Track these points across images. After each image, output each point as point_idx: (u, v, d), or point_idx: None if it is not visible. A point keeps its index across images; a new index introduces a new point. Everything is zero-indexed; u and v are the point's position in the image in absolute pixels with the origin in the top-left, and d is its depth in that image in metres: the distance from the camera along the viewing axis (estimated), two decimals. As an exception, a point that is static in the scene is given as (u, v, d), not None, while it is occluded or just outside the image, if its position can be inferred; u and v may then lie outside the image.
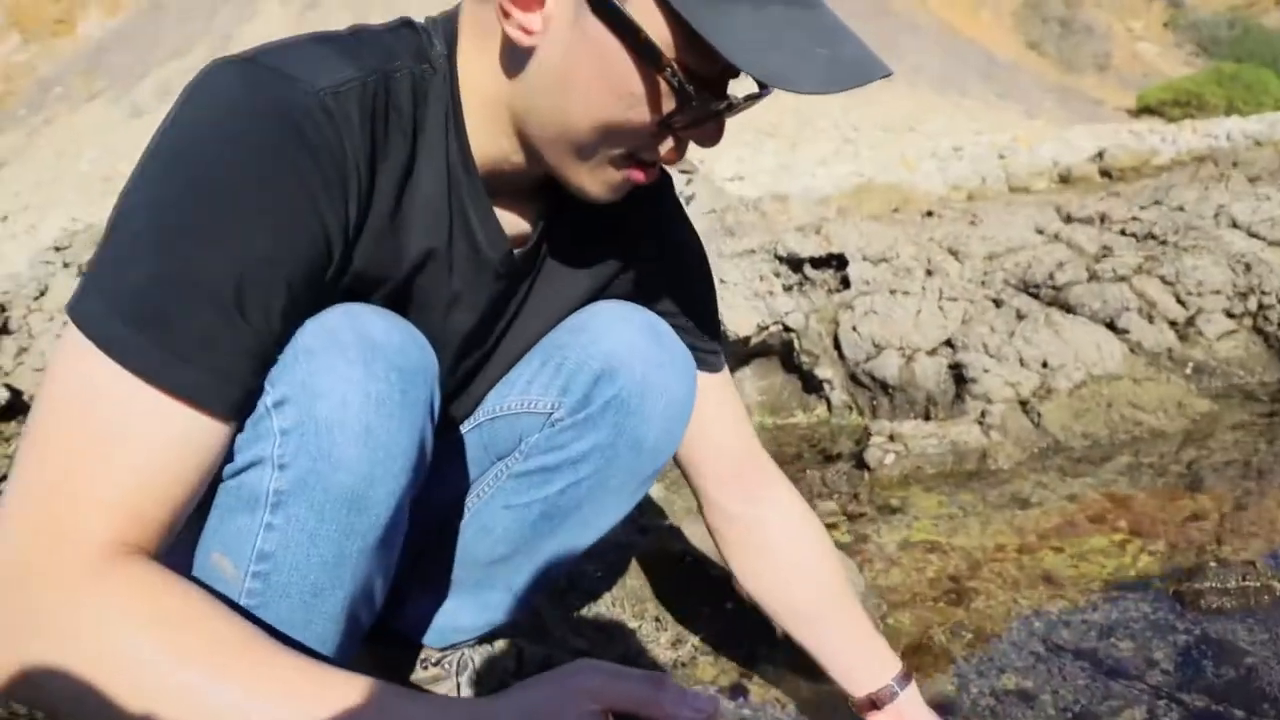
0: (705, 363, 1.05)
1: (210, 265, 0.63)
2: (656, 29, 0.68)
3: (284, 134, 0.66)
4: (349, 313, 0.74)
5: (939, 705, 1.25)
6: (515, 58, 0.75)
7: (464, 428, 1.05)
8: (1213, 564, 1.46)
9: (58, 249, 3.69)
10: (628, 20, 0.68)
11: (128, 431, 0.62)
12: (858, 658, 1.05)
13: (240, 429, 0.70)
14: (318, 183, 0.68)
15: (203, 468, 0.66)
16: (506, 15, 0.72)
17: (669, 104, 0.72)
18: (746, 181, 13.44)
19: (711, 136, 0.77)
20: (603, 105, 0.72)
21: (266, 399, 0.69)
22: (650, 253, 1.02)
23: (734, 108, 0.75)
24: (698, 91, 0.71)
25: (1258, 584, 1.38)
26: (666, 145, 0.77)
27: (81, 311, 0.63)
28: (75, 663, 0.58)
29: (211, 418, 0.65)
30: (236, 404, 0.67)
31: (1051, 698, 1.23)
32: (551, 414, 0.97)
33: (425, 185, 0.79)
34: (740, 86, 0.74)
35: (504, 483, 1.02)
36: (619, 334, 0.96)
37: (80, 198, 20.46)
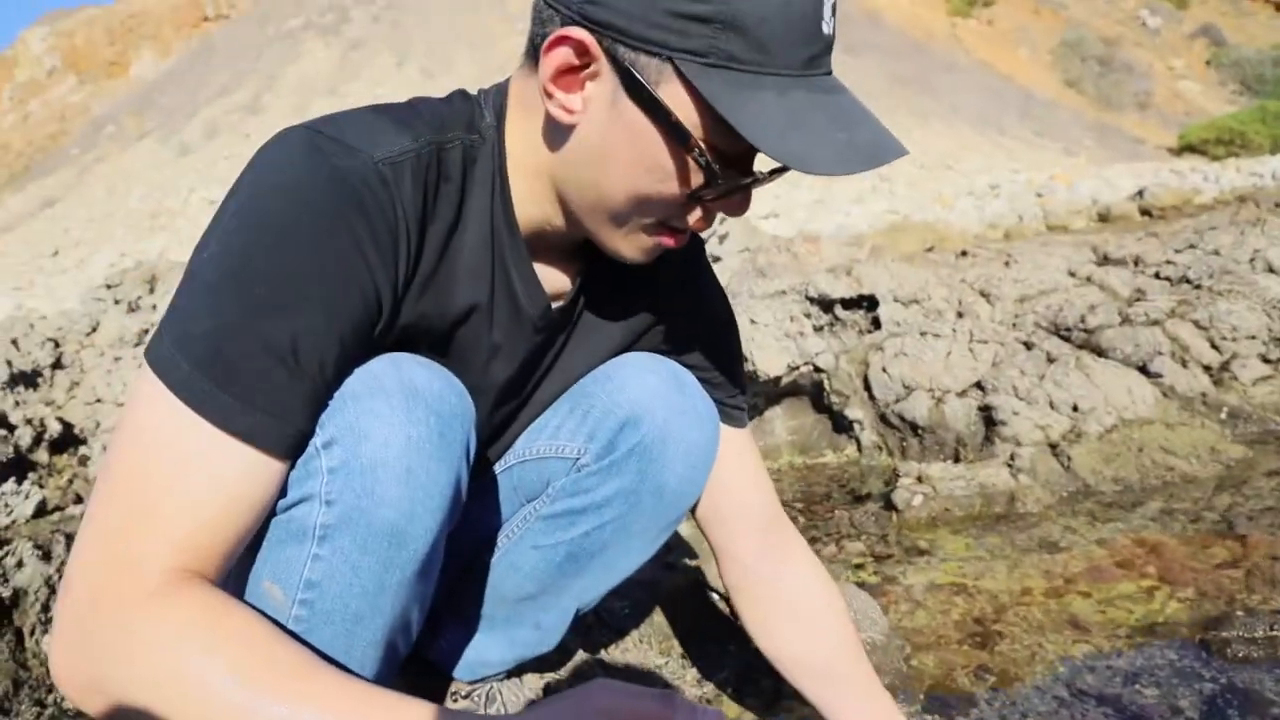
0: (730, 416, 1.09)
1: (272, 319, 0.70)
2: (686, 113, 0.75)
3: (343, 200, 0.73)
4: (393, 361, 0.80)
5: (961, 748, 1.26)
6: (557, 133, 0.82)
7: (496, 469, 1.10)
8: (1240, 613, 1.45)
9: (109, 286, 3.83)
10: (660, 105, 0.75)
11: (192, 468, 0.68)
12: (865, 718, 1.07)
13: (293, 467, 0.75)
14: (371, 246, 0.75)
15: (259, 503, 0.72)
16: (550, 96, 0.79)
17: (697, 179, 0.78)
18: (781, 219, 13.50)
19: (738, 207, 0.84)
20: (636, 179, 0.79)
21: (316, 440, 0.75)
22: (680, 310, 1.08)
23: (758, 182, 0.81)
24: (724, 169, 0.77)
25: (1285, 633, 1.37)
26: (695, 215, 0.84)
27: (155, 354, 0.70)
28: (141, 682, 0.63)
29: (268, 457, 0.71)
30: (291, 446, 0.73)
31: (1074, 743, 1.24)
32: (578, 459, 1.03)
33: (470, 244, 0.86)
34: (765, 162, 0.80)
35: (532, 524, 1.07)
36: (643, 383, 1.01)
37: (129, 234, 21.08)
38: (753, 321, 2.79)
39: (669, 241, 0.86)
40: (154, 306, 3.85)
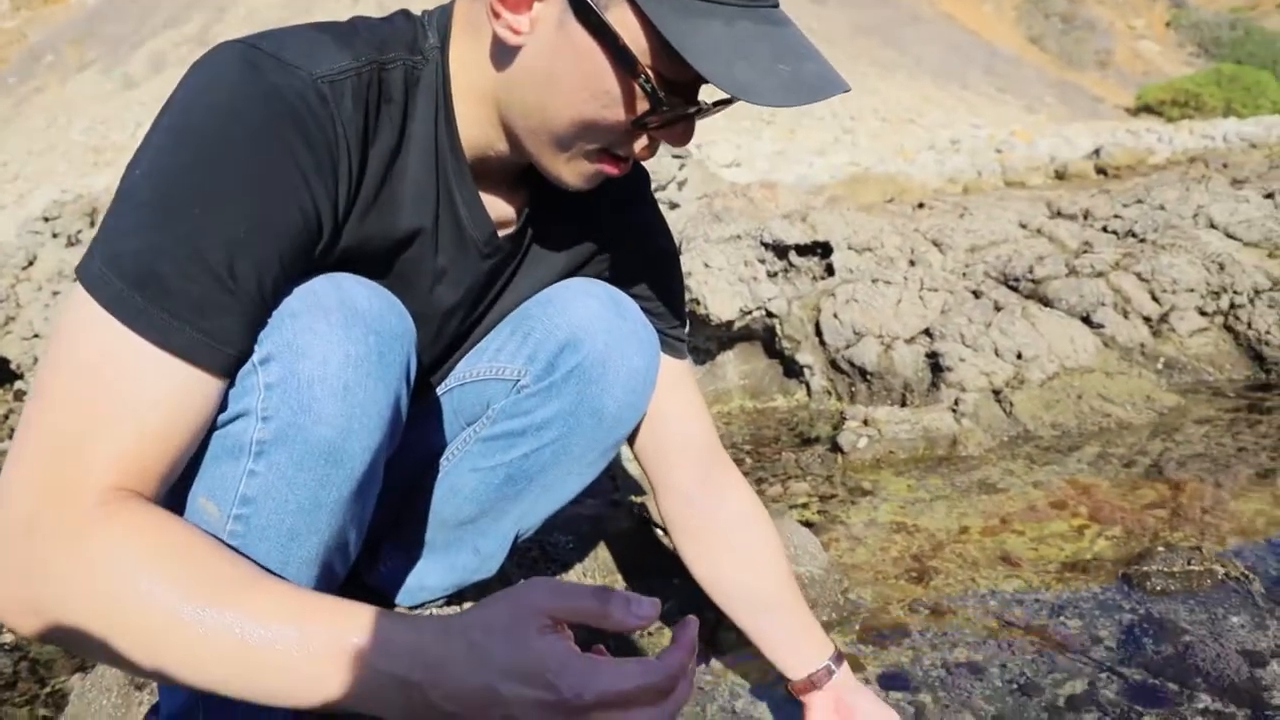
0: (670, 347, 1.10)
1: (207, 235, 0.68)
2: (633, 37, 0.74)
3: (280, 117, 0.72)
4: (333, 280, 0.80)
5: (892, 676, 1.30)
6: (503, 54, 0.81)
7: (438, 391, 1.10)
8: (1161, 549, 1.51)
9: (46, 219, 3.71)
10: (608, 28, 0.74)
11: (127, 386, 0.67)
12: (797, 643, 1.09)
13: (231, 385, 0.75)
14: (310, 163, 0.74)
15: (196, 421, 0.71)
16: (496, 15, 0.78)
17: (642, 106, 0.78)
18: (743, 168, 13.46)
19: (681, 137, 0.84)
20: (581, 104, 0.78)
21: (254, 356, 0.75)
22: (623, 240, 1.09)
23: (702, 113, 0.81)
24: (669, 96, 0.77)
25: (1201, 568, 1.44)
26: (639, 143, 0.83)
27: (87, 273, 0.68)
28: (80, 601, 0.63)
29: (205, 374, 0.70)
30: (229, 364, 0.72)
31: (999, 670, 1.29)
32: (518, 381, 1.03)
33: (413, 167, 0.85)
34: (710, 92, 0.80)
35: (471, 446, 1.07)
36: (584, 306, 1.02)
37: (71, 168, 20.34)
38: (707, 266, 2.79)
39: (611, 169, 0.86)
40: (95, 240, 3.74)
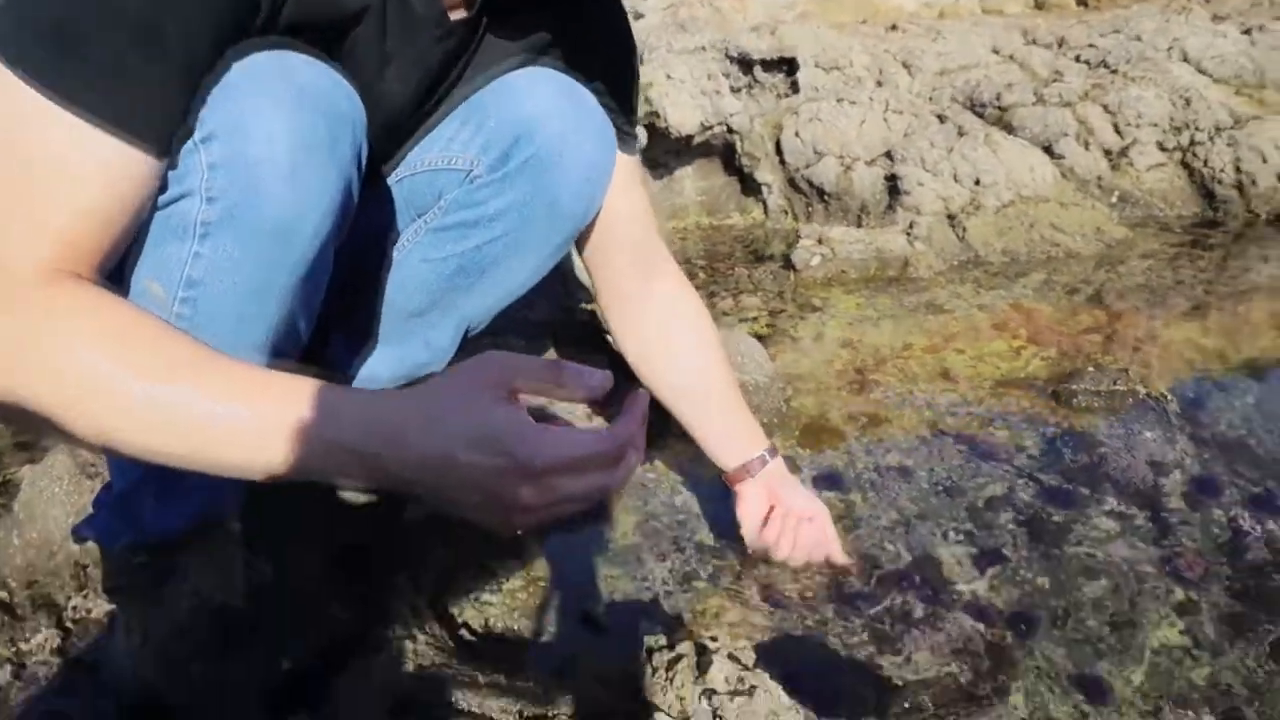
0: (622, 141, 1.06)
1: None
2: None
3: None
4: (278, 57, 0.74)
5: (826, 476, 1.37)
6: None
7: (389, 181, 1.06)
8: (1091, 369, 1.58)
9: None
10: None
11: (55, 159, 0.63)
12: (732, 433, 1.14)
13: (171, 165, 0.70)
14: None
15: (134, 199, 0.67)
16: None
17: None
18: (713, -19, 12.74)
19: None
20: None
21: (195, 135, 0.70)
22: (582, 30, 1.02)
23: None
24: None
25: (1125, 388, 1.51)
26: None
27: (0, 36, 0.62)
28: (22, 378, 0.60)
29: (138, 148, 0.65)
30: (163, 136, 0.68)
31: (927, 474, 1.36)
32: (471, 171, 1.00)
33: None
34: None
35: (423, 237, 1.05)
36: (540, 95, 0.98)
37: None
38: (669, 77, 2.68)
39: None
40: None
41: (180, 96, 0.68)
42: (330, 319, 1.09)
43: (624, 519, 1.27)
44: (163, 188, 0.71)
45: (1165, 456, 1.37)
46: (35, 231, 0.62)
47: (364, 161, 0.84)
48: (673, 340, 1.14)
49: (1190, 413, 1.49)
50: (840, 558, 1.13)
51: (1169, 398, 1.52)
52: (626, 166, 1.07)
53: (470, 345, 1.17)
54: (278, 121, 0.72)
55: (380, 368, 1.17)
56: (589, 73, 1.04)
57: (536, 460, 0.59)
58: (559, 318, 1.72)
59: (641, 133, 1.17)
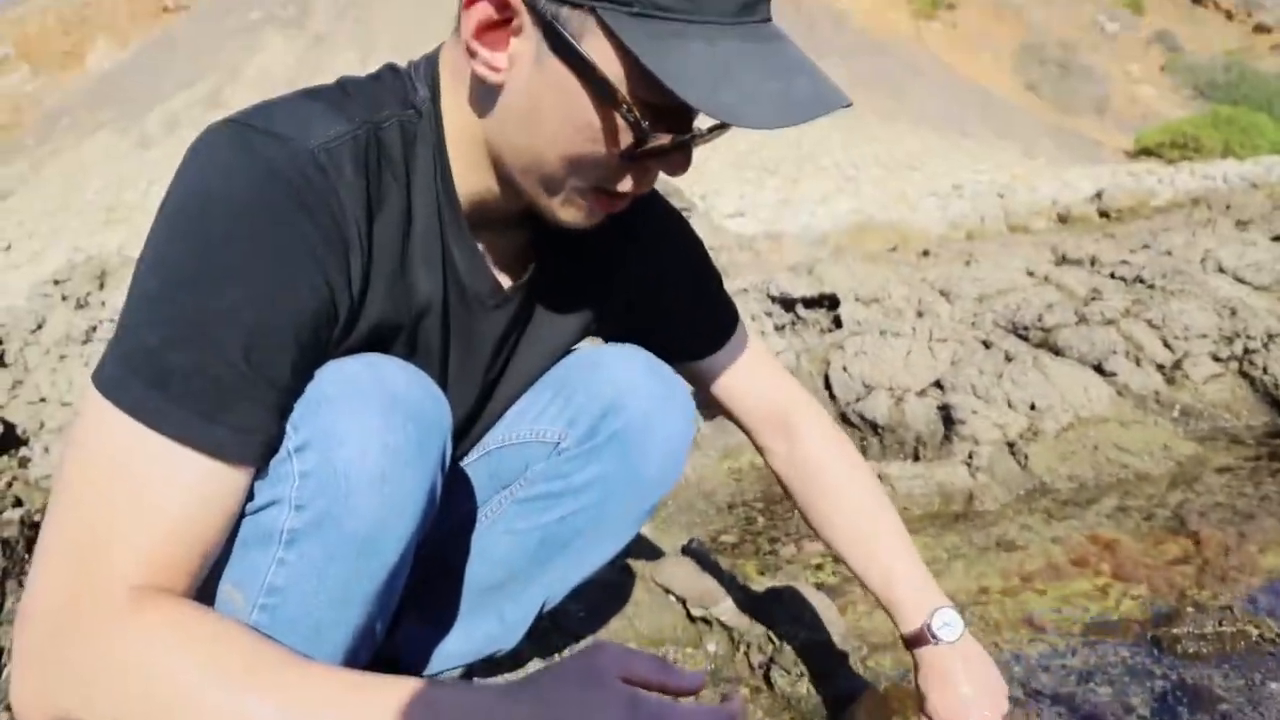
0: (732, 330, 1.12)
1: (217, 324, 0.67)
2: (611, 66, 0.70)
3: (280, 193, 0.70)
4: (370, 364, 0.78)
5: (917, 749, 1.25)
6: (487, 95, 0.78)
7: (471, 457, 1.09)
8: (1190, 609, 1.47)
9: (56, 282, 3.73)
10: (584, 59, 0.70)
11: (153, 485, 0.66)
12: (905, 585, 1.07)
13: (260, 474, 0.73)
14: (317, 238, 0.72)
15: (225, 514, 0.70)
16: (473, 55, 0.75)
17: (627, 138, 0.74)
18: (747, 217, 13.55)
19: (678, 166, 0.79)
20: (566, 139, 0.75)
21: (289, 443, 0.73)
22: (644, 264, 1.06)
23: (696, 139, 0.77)
24: (654, 124, 0.73)
25: (1233, 629, 1.39)
26: (633, 176, 0.79)
27: (104, 377, 0.67)
28: (115, 701, 0.61)
29: (230, 467, 0.68)
30: (254, 454, 0.71)
31: (1028, 743, 1.24)
32: (559, 444, 1.03)
33: (420, 230, 0.83)
34: (704, 119, 0.76)
35: (507, 508, 1.07)
36: (626, 371, 1.02)
37: (84, 227, 20.63)
38: (714, 320, 2.78)
39: (608, 206, 0.82)
40: (103, 303, 3.76)
41: (272, 416, 0.71)
42: (402, 603, 1.07)
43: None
44: (251, 495, 0.73)
45: (1294, 711, 1.23)
46: (131, 553, 0.64)
47: (448, 462, 0.85)
48: (825, 489, 1.13)
49: (1311, 655, 1.36)
50: None
51: (1283, 638, 1.40)
52: (742, 346, 1.12)
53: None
54: (369, 430, 0.74)
55: (450, 643, 1.14)
56: (667, 299, 1.08)
57: (662, 715, 0.62)
58: (618, 579, 1.68)
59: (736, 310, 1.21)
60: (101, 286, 4.00)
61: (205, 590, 0.77)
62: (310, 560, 0.75)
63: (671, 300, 1.08)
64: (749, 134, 22.19)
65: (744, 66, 0.70)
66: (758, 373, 1.14)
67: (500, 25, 0.73)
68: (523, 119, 0.77)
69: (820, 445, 1.13)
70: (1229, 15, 46.59)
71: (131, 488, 0.65)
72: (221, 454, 0.67)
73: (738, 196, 15.54)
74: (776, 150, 21.37)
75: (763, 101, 0.69)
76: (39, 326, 3.46)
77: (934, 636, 1.03)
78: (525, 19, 0.72)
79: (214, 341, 0.67)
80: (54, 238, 19.78)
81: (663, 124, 0.74)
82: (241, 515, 0.74)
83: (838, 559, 1.15)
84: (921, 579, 1.07)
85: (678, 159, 0.78)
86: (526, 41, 0.73)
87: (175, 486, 0.66)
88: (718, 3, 0.69)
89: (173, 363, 0.66)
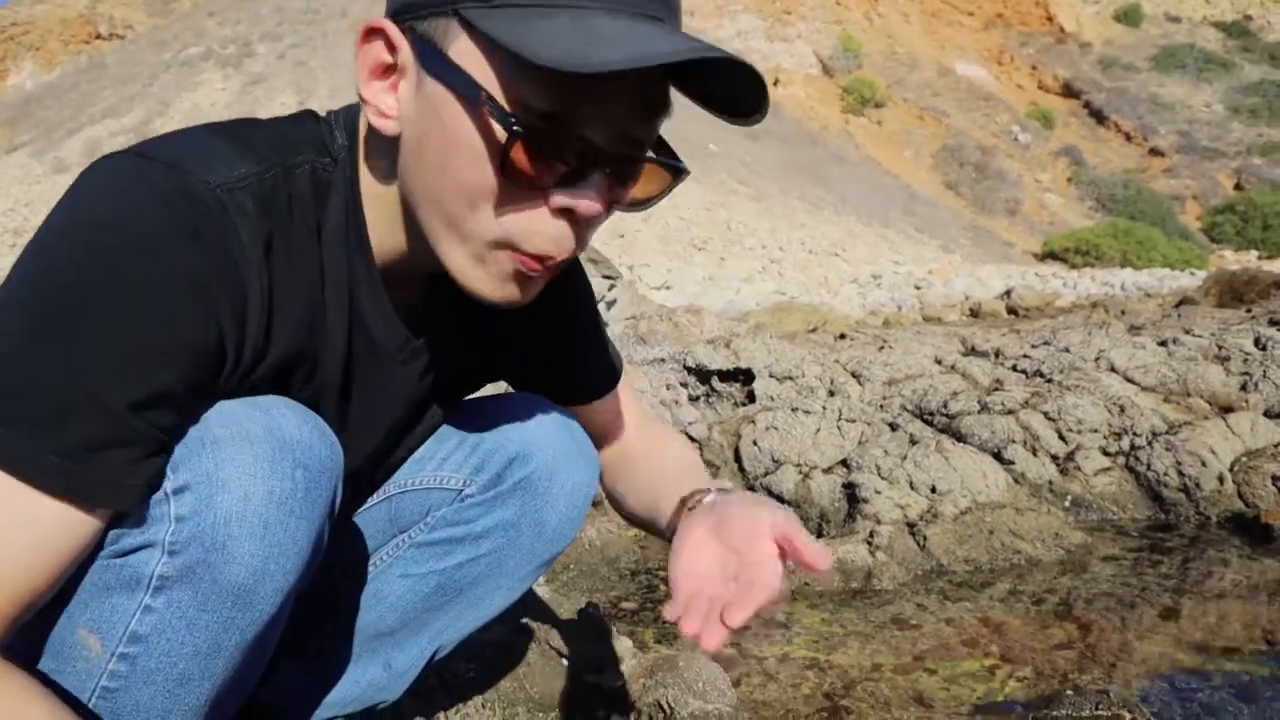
0: (616, 380, 1.13)
1: (96, 363, 0.62)
2: (478, 67, 0.67)
3: (172, 227, 0.66)
4: (261, 406, 0.74)
5: (801, 826, 1.24)
6: (389, 148, 0.75)
7: (371, 500, 1.07)
8: (1070, 692, 1.51)
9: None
10: (449, 63, 0.67)
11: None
12: (677, 488, 0.98)
13: (129, 517, 0.68)
14: (209, 275, 0.67)
15: (68, 562, 0.66)
16: (365, 102, 0.72)
17: (501, 141, 0.67)
18: (674, 291, 13.76)
19: (588, 199, 0.70)
20: (451, 164, 0.69)
21: (167, 484, 0.69)
22: (543, 314, 1.00)
23: (597, 159, 0.69)
24: (528, 121, 0.66)
25: (1109, 713, 1.43)
26: (544, 224, 0.71)
27: None
28: None
29: (86, 514, 0.65)
30: (119, 500, 0.66)
31: (910, 822, 1.24)
32: (462, 490, 1.02)
33: (329, 278, 0.80)
34: (615, 144, 0.69)
35: (404, 552, 1.04)
36: (534, 421, 1.02)
37: (-13, 249, 19.68)
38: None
39: (528, 263, 0.73)
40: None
41: (147, 466, 0.67)
42: (281, 648, 1.03)
43: None
44: (121, 534, 0.69)
45: (1162, 797, 1.27)
46: None
47: (337, 508, 0.82)
48: (637, 457, 1.13)
49: (1179, 742, 1.41)
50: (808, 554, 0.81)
51: (1154, 724, 1.44)
52: (620, 391, 1.14)
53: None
54: (255, 476, 0.70)
55: (332, 691, 1.09)
56: (561, 338, 1.07)
57: None
58: (512, 639, 1.64)
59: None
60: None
61: (54, 635, 0.72)
62: (179, 608, 0.70)
63: (565, 349, 1.08)
64: (679, 210, 22.68)
65: (608, 29, 0.64)
66: (631, 410, 1.18)
67: (390, 70, 0.71)
68: (414, 156, 0.72)
69: (632, 435, 1.16)
70: (1128, 137, 50.14)
71: None
72: (81, 498, 0.63)
73: (665, 270, 15.79)
74: (706, 229, 21.87)
75: (616, 51, 0.62)
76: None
77: (689, 507, 0.92)
78: (406, 51, 0.70)
79: (89, 383, 0.62)
80: (-49, 258, 18.80)
81: (550, 139, 0.67)
82: (91, 558, 0.69)
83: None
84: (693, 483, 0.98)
85: (586, 195, 0.70)
86: (409, 74, 0.70)
87: (22, 531, 0.62)
88: None
89: (37, 402, 0.61)
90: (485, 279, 0.75)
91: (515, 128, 0.65)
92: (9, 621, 0.63)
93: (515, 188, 0.69)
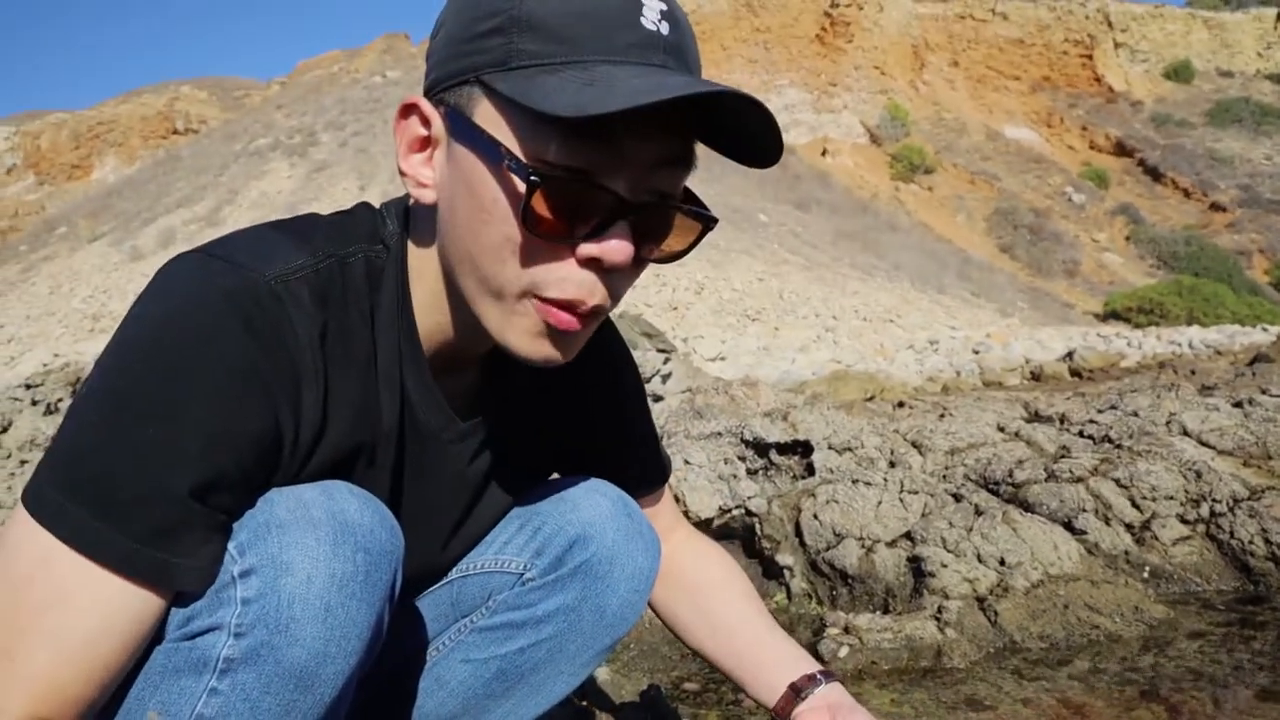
0: (666, 477, 1.17)
1: (161, 453, 0.67)
2: (498, 128, 0.71)
3: (232, 322, 0.70)
4: (324, 490, 0.77)
5: None
6: (430, 219, 0.79)
7: (434, 585, 1.09)
8: (1161, 782, 1.42)
9: (28, 386, 3.71)
10: (474, 127, 0.71)
11: (67, 607, 0.65)
12: (773, 662, 1.06)
13: (198, 599, 0.72)
14: (266, 367, 0.72)
15: (136, 643, 0.69)
16: (405, 175, 0.76)
17: (523, 192, 0.70)
18: (728, 362, 13.78)
19: (612, 251, 0.72)
20: (481, 224, 0.73)
21: (234, 567, 0.72)
22: (594, 405, 1.09)
23: (622, 211, 0.71)
24: (547, 175, 0.69)
25: (1205, 806, 1.35)
26: (568, 273, 0.74)
27: (37, 500, 0.66)
28: None
29: (159, 596, 0.68)
30: (187, 582, 0.70)
31: None
32: (524, 574, 1.03)
33: (383, 365, 0.84)
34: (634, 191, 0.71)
35: (466, 636, 1.05)
36: (595, 504, 1.03)
37: (67, 334, 20.63)
38: (687, 462, 2.79)
39: (557, 316, 0.75)
40: (75, 411, 3.72)
41: (210, 549, 0.71)
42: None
43: None
44: (190, 617, 0.72)
45: None
46: (27, 680, 0.63)
47: (398, 592, 0.84)
48: (693, 581, 1.15)
49: (1285, 838, 1.31)
50: None
51: (1256, 818, 1.35)
52: (664, 493, 1.19)
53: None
54: (318, 559, 0.73)
55: None
56: (615, 430, 1.11)
57: None
58: (575, 723, 1.62)
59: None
60: (75, 393, 3.97)
61: (127, 717, 0.74)
62: (244, 691, 0.72)
63: (616, 439, 1.11)
64: (732, 281, 22.84)
65: (616, 77, 0.67)
66: (670, 511, 1.21)
67: (426, 142, 0.76)
68: (449, 222, 0.76)
69: (702, 547, 1.19)
70: (1186, 193, 49.31)
71: (40, 607, 0.64)
72: (153, 582, 0.67)
73: (720, 342, 15.84)
74: (759, 299, 21.96)
75: (619, 97, 0.64)
76: (4, 429, 3.41)
77: (798, 694, 1.01)
78: (439, 123, 0.74)
79: (155, 472, 0.66)
80: (35, 343, 19.73)
81: (571, 190, 0.70)
82: (158, 639, 0.72)
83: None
84: (790, 655, 1.07)
85: (610, 242, 0.72)
86: (443, 147, 0.75)
87: (95, 611, 0.65)
88: (597, 43, 0.69)
89: (109, 491, 0.65)
90: (518, 335, 0.77)
91: (533, 178, 0.68)
92: (85, 704, 0.66)
93: (541, 240, 0.72)
